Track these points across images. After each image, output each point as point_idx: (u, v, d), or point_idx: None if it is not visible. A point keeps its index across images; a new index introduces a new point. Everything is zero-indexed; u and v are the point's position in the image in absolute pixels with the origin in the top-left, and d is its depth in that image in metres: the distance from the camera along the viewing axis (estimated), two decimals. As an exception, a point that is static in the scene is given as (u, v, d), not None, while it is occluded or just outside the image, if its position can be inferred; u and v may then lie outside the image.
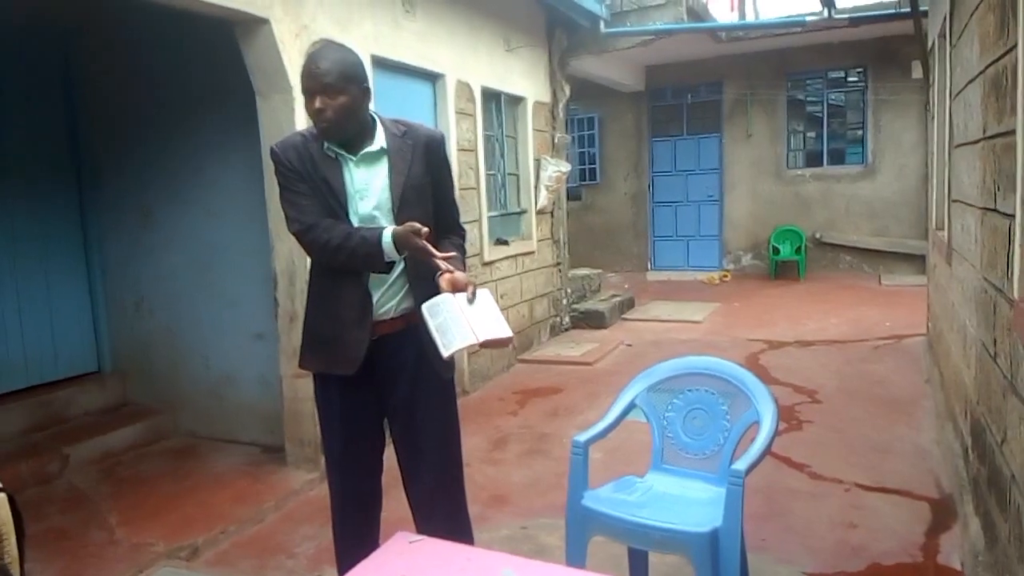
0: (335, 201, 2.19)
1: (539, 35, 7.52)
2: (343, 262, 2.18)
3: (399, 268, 2.24)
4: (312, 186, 2.20)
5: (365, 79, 2.23)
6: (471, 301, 2.06)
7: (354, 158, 2.23)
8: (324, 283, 2.29)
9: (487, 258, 6.37)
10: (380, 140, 2.25)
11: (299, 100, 3.96)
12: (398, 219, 2.21)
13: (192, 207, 4.79)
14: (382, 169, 2.25)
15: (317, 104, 2.12)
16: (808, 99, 11.49)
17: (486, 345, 2.05)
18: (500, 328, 2.06)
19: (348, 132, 2.19)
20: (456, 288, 2.08)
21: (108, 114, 5.03)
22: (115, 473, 4.37)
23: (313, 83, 2.13)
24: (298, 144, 2.25)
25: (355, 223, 2.21)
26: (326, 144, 2.22)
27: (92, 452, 4.51)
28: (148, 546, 3.43)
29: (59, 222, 5.09)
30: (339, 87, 2.12)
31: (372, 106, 2.32)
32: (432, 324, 2.03)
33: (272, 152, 2.26)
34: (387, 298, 2.25)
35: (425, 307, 2.06)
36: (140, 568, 3.22)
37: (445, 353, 2.00)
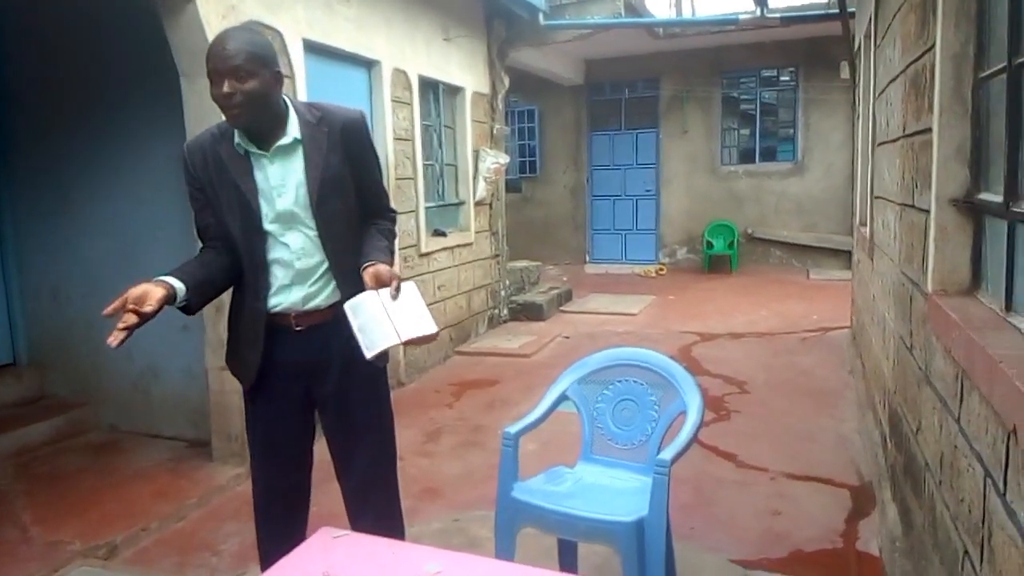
0: (245, 207, 2.09)
1: (478, 25, 7.47)
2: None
3: (324, 265, 2.18)
4: (213, 193, 2.13)
5: (277, 64, 2.10)
6: (395, 297, 2.01)
7: (267, 154, 2.12)
8: (234, 295, 2.27)
9: (424, 249, 6.32)
10: (293, 130, 2.14)
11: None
12: (317, 213, 2.14)
13: (113, 191, 4.60)
14: (297, 162, 2.14)
15: (225, 88, 1.96)
16: (742, 97, 11.75)
17: (409, 343, 2.01)
18: (424, 325, 2.01)
19: (260, 120, 2.07)
20: (380, 283, 2.03)
21: (25, 92, 4.79)
22: (31, 469, 4.19)
23: (220, 64, 1.97)
24: (205, 145, 2.15)
25: (271, 222, 2.14)
26: (236, 140, 2.11)
27: (7, 447, 4.31)
28: (64, 544, 3.29)
29: (-31, 206, 4.84)
30: (249, 69, 1.97)
31: (305, 92, 2.23)
32: (355, 324, 1.98)
33: (182, 152, 2.18)
34: (315, 291, 2.19)
35: (347, 306, 2.01)
36: (55, 567, 3.09)
37: (368, 354, 1.97)
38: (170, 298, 2.01)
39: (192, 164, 2.15)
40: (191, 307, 2.13)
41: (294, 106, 2.18)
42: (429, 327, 2.02)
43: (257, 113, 2.04)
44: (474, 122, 7.40)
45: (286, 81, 2.28)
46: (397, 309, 2.00)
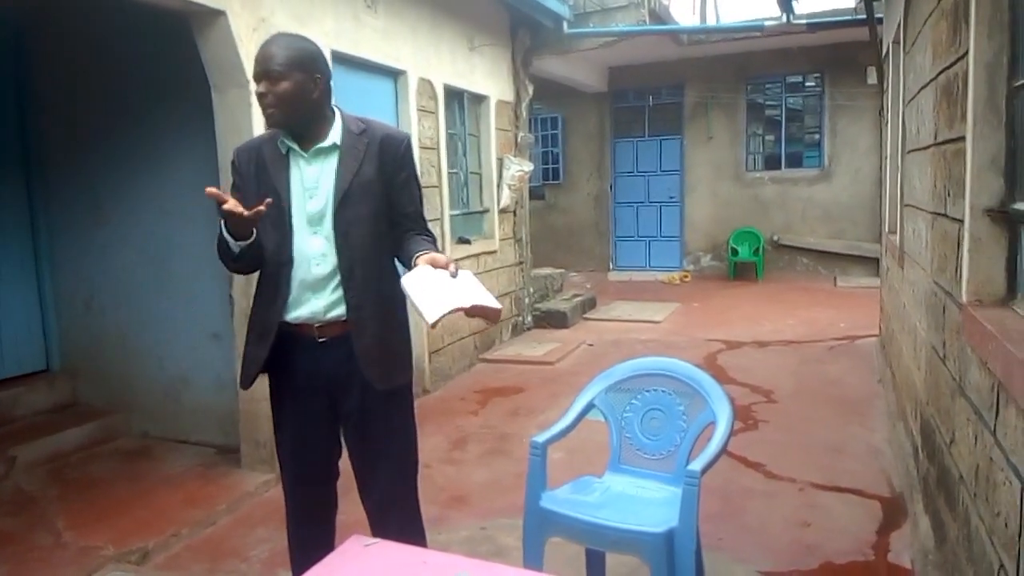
0: (277, 206, 2.13)
1: (502, 34, 7.50)
2: (235, 265, 2.22)
3: (338, 273, 2.18)
4: (252, 193, 2.15)
5: (319, 69, 2.15)
6: (453, 276, 1.98)
7: (306, 155, 2.18)
8: (254, 301, 2.30)
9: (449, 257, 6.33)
10: (335, 135, 2.19)
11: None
12: (337, 216, 2.16)
13: (145, 202, 4.68)
14: (332, 166, 2.19)
15: (260, 89, 2.10)
16: (767, 103, 11.68)
17: (474, 312, 1.95)
18: (488, 298, 1.97)
19: (295, 121, 2.14)
20: (436, 267, 2.00)
21: (60, 106, 4.88)
22: (63, 475, 4.25)
23: (257, 67, 2.10)
24: (252, 148, 2.25)
25: (301, 224, 2.17)
26: (280, 138, 2.18)
27: (40, 453, 4.37)
28: (96, 550, 3.34)
29: (7, 216, 4.93)
30: (282, 73, 2.06)
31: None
32: (413, 294, 1.93)
33: (232, 156, 2.29)
34: (336, 300, 2.19)
35: (405, 279, 1.98)
36: (88, 572, 3.14)
37: (430, 319, 1.87)
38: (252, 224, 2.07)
39: (239, 163, 2.24)
40: (251, 247, 2.15)
41: (342, 115, 2.24)
42: (493, 301, 1.98)
43: (289, 114, 2.12)
44: (498, 130, 7.42)
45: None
46: (457, 284, 1.97)
